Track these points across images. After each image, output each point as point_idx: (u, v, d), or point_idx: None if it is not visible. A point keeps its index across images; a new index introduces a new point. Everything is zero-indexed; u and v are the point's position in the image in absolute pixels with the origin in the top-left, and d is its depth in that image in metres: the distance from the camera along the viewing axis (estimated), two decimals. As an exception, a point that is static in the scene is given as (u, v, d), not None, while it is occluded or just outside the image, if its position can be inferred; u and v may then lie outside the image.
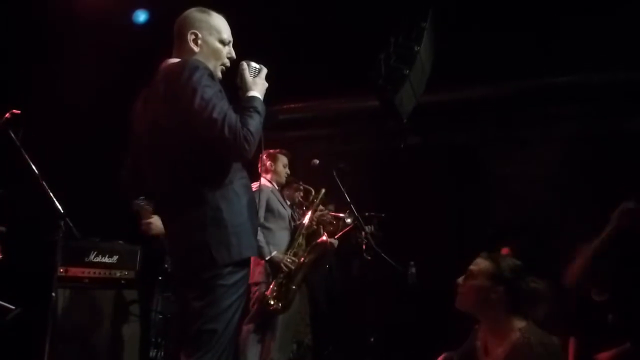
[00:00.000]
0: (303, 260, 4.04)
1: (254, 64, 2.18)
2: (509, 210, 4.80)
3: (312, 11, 4.58)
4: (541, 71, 4.69)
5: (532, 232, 4.38)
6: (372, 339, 3.96)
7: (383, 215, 4.18)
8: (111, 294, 3.74)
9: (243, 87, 2.14)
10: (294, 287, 3.96)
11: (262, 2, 4.49)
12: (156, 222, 3.26)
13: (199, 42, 2.16)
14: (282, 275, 3.96)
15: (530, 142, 4.95)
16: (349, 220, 4.12)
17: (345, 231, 4.17)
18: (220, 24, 2.21)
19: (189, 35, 2.15)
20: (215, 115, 1.94)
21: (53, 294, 3.09)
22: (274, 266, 3.95)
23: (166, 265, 3.85)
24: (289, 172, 4.32)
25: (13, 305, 3.26)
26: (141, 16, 4.86)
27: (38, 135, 3.26)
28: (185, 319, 2.07)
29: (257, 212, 2.26)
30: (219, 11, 2.23)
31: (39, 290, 3.18)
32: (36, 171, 3.16)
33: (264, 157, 4.20)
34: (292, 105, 5.49)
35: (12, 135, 3.12)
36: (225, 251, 2.01)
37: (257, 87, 2.14)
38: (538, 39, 4.43)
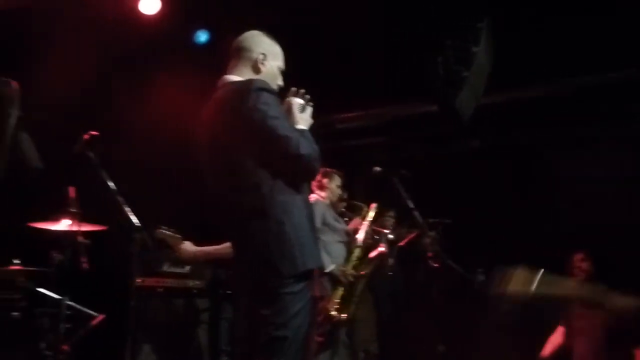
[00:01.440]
0: (362, 273, 4.06)
1: (301, 101, 2.28)
2: (577, 214, 4.62)
3: (365, 19, 4.61)
4: (607, 67, 4.51)
5: (605, 236, 4.20)
6: (440, 348, 3.89)
7: (448, 221, 4.11)
8: (184, 302, 3.88)
9: (292, 120, 2.22)
10: (354, 299, 3.97)
11: (314, 12, 4.56)
12: (187, 247, 3.39)
13: (265, 63, 2.25)
14: (342, 288, 3.98)
15: (597, 142, 4.76)
16: (391, 236, 4.12)
17: (410, 238, 4.14)
18: (280, 52, 2.33)
19: (258, 55, 2.25)
20: (289, 133, 2.07)
21: (131, 303, 3.25)
22: (333, 279, 3.99)
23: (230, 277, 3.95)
24: (341, 192, 4.34)
25: (97, 313, 3.48)
26: (202, 36, 5.04)
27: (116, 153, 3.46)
28: (252, 327, 2.13)
29: (315, 226, 2.33)
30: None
31: (119, 298, 3.34)
32: (113, 187, 3.33)
33: (319, 174, 4.26)
34: (349, 115, 5.53)
35: (91, 155, 3.31)
36: (290, 263, 2.06)
37: (305, 123, 2.24)
38: (601, 32, 4.27)
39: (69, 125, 3.67)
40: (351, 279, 4.01)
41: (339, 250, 4.19)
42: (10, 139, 1.29)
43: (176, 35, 4.94)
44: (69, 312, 3.39)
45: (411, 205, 3.67)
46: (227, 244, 3.33)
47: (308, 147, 2.10)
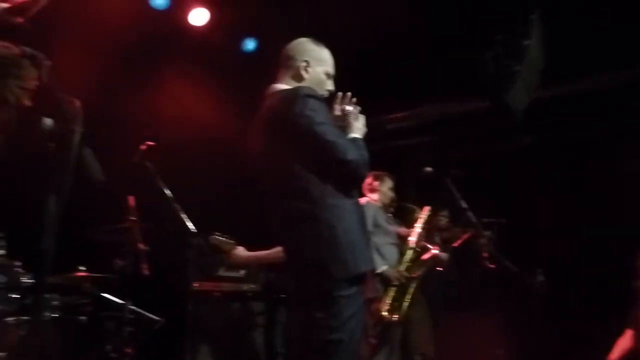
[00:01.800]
0: (414, 275, 4.03)
1: (355, 109, 2.30)
2: None
3: (411, 17, 4.57)
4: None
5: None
6: (498, 352, 3.79)
7: (502, 220, 4.02)
8: (240, 306, 3.95)
9: (345, 128, 2.25)
10: (406, 300, 3.94)
11: (361, 13, 4.55)
12: (240, 253, 3.45)
13: (309, 70, 2.28)
14: (394, 289, 3.96)
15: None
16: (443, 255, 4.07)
17: (464, 239, 4.07)
18: (328, 57, 2.35)
19: (301, 63, 2.29)
20: (336, 139, 2.11)
21: (189, 307, 3.34)
22: (385, 280, 3.97)
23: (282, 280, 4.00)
24: (392, 195, 4.31)
25: (157, 317, 3.61)
26: (250, 44, 5.14)
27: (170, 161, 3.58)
28: (306, 330, 2.15)
29: (367, 228, 2.33)
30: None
31: (177, 303, 3.45)
32: (170, 195, 3.44)
33: (370, 177, 4.25)
34: (398, 115, 5.48)
35: (148, 165, 3.43)
36: (342, 267, 2.08)
37: (359, 131, 2.26)
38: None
39: (126, 134, 3.81)
40: (403, 280, 3.99)
41: (391, 252, 4.17)
42: (74, 154, 1.36)
43: (225, 45, 5.04)
44: (131, 316, 3.52)
45: (464, 205, 3.60)
46: (278, 249, 3.39)
47: (355, 153, 2.12)
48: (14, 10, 1.49)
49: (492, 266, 3.64)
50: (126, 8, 4.28)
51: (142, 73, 4.47)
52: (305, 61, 2.29)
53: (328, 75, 2.34)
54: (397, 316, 3.93)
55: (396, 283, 3.99)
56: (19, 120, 1.90)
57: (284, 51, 2.36)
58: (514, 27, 3.76)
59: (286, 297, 3.53)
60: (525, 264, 3.61)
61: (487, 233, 3.76)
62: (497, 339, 3.91)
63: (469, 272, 4.61)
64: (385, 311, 3.93)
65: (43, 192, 1.36)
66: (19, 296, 3.27)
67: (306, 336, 2.16)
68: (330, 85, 2.35)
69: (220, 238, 3.41)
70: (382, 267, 3.96)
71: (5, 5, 1.49)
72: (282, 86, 2.29)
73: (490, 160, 5.08)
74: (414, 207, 4.36)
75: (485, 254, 3.67)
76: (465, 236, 4.10)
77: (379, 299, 3.98)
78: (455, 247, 4.31)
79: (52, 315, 3.21)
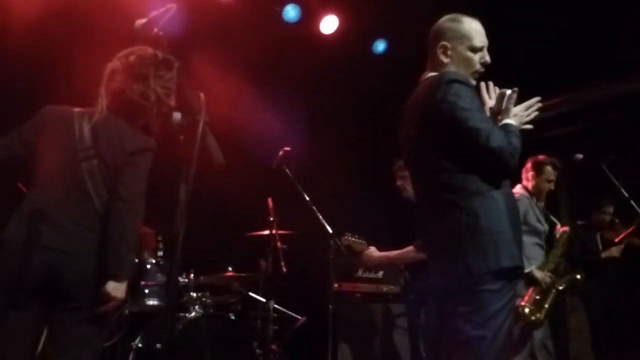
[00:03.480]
0: (559, 287, 3.76)
1: (509, 92, 2.13)
2: None
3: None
4: None
5: None
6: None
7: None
8: (381, 307, 3.93)
9: (503, 113, 2.11)
10: (547, 305, 3.70)
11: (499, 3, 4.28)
12: (372, 253, 3.37)
13: (449, 52, 2.16)
14: (538, 289, 3.69)
15: None
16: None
17: (627, 234, 3.60)
18: (471, 30, 2.16)
19: (438, 49, 2.17)
20: (479, 125, 1.98)
21: (330, 307, 3.40)
22: (530, 280, 3.67)
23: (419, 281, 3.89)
24: (551, 187, 3.90)
25: (300, 315, 3.73)
26: (380, 46, 5.14)
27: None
28: (450, 325, 2.04)
29: (519, 222, 2.15)
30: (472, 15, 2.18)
31: (319, 302, 3.52)
32: (307, 198, 3.55)
33: (530, 163, 3.90)
34: (551, 102, 4.98)
35: (287, 169, 3.58)
36: (482, 260, 1.94)
37: (515, 118, 2.10)
38: None
39: (265, 143, 3.98)
40: (549, 282, 3.67)
41: (536, 252, 3.84)
42: (199, 142, 1.46)
43: (356, 49, 5.09)
44: (275, 315, 3.66)
45: (625, 194, 3.18)
46: (410, 248, 3.31)
47: (502, 141, 1.97)
48: (150, 23, 1.64)
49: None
50: (262, 24, 4.55)
51: (278, 85, 4.67)
52: (443, 45, 2.16)
53: (474, 49, 2.14)
54: (537, 315, 3.61)
55: (543, 286, 3.67)
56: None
57: (428, 38, 2.24)
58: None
59: (427, 294, 3.41)
60: None
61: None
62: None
63: (635, 278, 4.07)
64: (527, 307, 3.63)
65: (175, 181, 1.46)
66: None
67: (450, 332, 2.05)
68: (482, 59, 2.16)
69: (352, 239, 3.42)
70: (529, 267, 3.66)
71: (144, 20, 1.65)
72: (430, 73, 2.21)
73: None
74: (556, 222, 3.95)
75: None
76: (628, 230, 3.59)
77: (520, 297, 3.69)
78: (616, 243, 3.81)
79: (205, 312, 3.48)
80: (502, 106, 2.12)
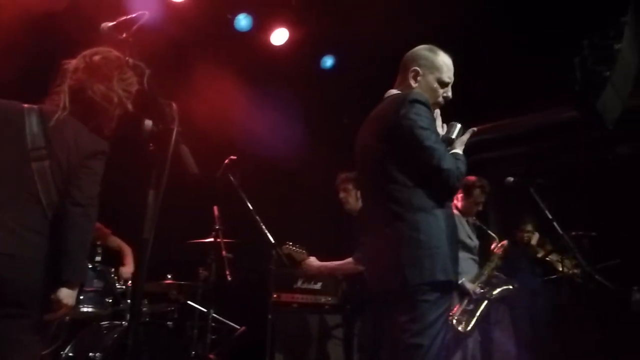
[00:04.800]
0: (488, 296, 3.90)
1: (460, 126, 2.31)
2: None
3: (495, 25, 4.47)
4: None
5: None
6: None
7: (594, 234, 3.79)
8: (318, 318, 3.98)
9: (454, 142, 2.28)
10: (478, 315, 3.84)
11: (443, 27, 4.51)
12: (312, 263, 3.46)
13: (419, 78, 2.30)
14: (467, 302, 3.84)
15: None
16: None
17: (550, 251, 3.86)
18: (443, 64, 2.32)
19: (409, 72, 2.31)
20: (435, 145, 2.10)
21: (269, 317, 3.41)
22: (462, 292, 3.87)
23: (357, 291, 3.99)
24: (479, 208, 4.14)
25: (238, 325, 3.71)
26: (328, 61, 5.24)
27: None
28: (387, 335, 2.14)
29: (456, 240, 2.28)
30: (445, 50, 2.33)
31: (258, 312, 3.53)
32: (251, 207, 3.55)
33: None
34: (484, 126, 5.30)
35: (231, 178, 3.57)
36: (417, 271, 2.04)
37: (461, 147, 2.27)
38: None
39: (212, 150, 3.96)
40: (479, 294, 3.87)
41: (469, 266, 4.03)
42: (172, 151, 1.46)
43: (304, 62, 5.17)
44: (214, 324, 3.64)
45: (550, 216, 3.43)
46: (349, 260, 3.41)
47: (451, 164, 2.11)
48: (118, 27, 1.63)
49: (582, 282, 3.43)
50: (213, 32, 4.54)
51: (226, 91, 4.66)
52: (415, 70, 2.30)
53: (442, 82, 2.31)
54: (464, 325, 3.80)
55: (473, 297, 3.87)
56: (124, 123, 2.05)
57: (403, 58, 2.39)
58: (604, 30, 3.57)
59: (363, 305, 3.51)
60: (619, 280, 3.38)
61: (575, 247, 3.56)
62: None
63: (557, 289, 4.37)
64: (455, 318, 3.81)
65: (144, 187, 1.46)
66: (111, 301, 3.50)
67: (388, 340, 2.14)
68: (445, 93, 2.33)
69: (293, 248, 3.48)
70: (461, 279, 3.85)
71: (111, 23, 1.64)
72: (394, 91, 2.34)
73: (582, 170, 4.80)
74: (494, 236, 4.19)
75: (575, 270, 3.48)
76: (552, 249, 3.86)
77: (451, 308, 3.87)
78: (540, 260, 4.09)
79: (142, 320, 3.39)
80: (451, 135, 2.28)
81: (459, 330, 3.79)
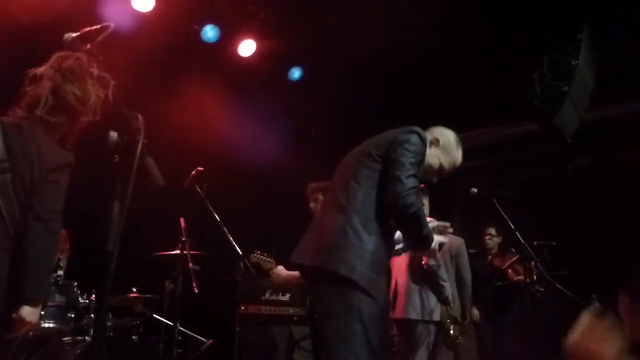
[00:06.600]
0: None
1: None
2: None
3: (459, 40, 4.59)
4: None
5: None
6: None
7: (554, 243, 3.90)
8: (286, 329, 3.96)
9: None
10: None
11: (409, 39, 4.60)
12: (279, 272, 3.47)
13: (434, 147, 2.39)
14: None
15: None
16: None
17: (513, 262, 3.95)
18: (455, 159, 2.45)
19: (433, 138, 2.40)
20: (410, 180, 2.12)
21: (237, 329, 3.38)
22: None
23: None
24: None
25: (205, 337, 3.65)
26: (296, 73, 5.28)
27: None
28: (325, 323, 2.16)
29: (382, 264, 2.27)
30: None
31: (225, 324, 3.49)
32: (218, 218, 3.54)
33: None
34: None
35: (198, 189, 3.55)
36: (349, 267, 2.07)
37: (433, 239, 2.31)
38: None
39: (183, 160, 3.94)
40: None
41: None
42: (137, 163, 1.45)
43: (272, 74, 5.19)
44: (180, 338, 3.58)
45: (512, 226, 3.52)
46: None
47: (415, 204, 2.13)
48: (82, 38, 1.61)
49: (542, 290, 3.52)
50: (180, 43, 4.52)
51: (194, 101, 4.64)
52: (436, 139, 2.40)
53: (442, 169, 2.41)
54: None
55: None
56: (89, 134, 2.01)
57: (434, 126, 2.47)
58: (562, 47, 3.72)
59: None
60: (578, 289, 3.48)
61: (535, 256, 3.66)
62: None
63: (518, 297, 4.47)
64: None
65: (108, 199, 1.44)
66: (74, 316, 3.41)
67: (325, 329, 2.16)
68: (435, 177, 2.44)
69: (261, 257, 3.47)
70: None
71: (75, 34, 1.62)
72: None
73: (542, 182, 4.96)
74: None
75: (535, 278, 3.56)
76: (513, 259, 3.95)
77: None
78: (503, 270, 4.17)
79: (106, 335, 3.31)
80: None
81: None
